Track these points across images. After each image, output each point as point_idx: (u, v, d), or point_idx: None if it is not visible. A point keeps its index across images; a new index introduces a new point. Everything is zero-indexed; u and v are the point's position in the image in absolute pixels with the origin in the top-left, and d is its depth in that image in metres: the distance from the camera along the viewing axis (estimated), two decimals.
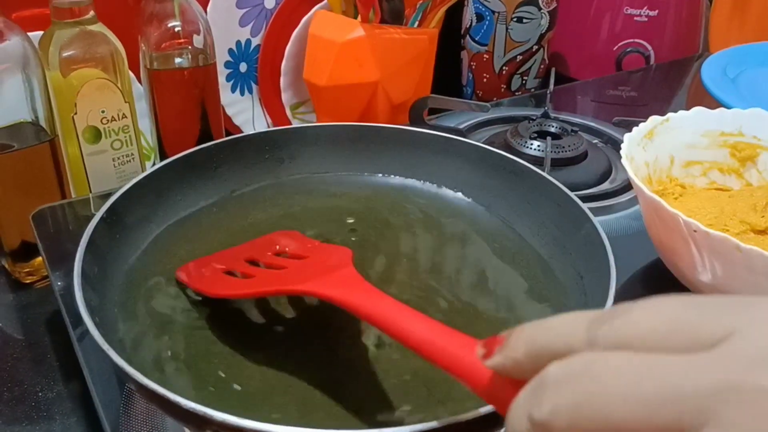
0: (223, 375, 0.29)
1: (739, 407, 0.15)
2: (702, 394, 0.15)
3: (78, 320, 0.38)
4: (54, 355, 0.43)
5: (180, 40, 0.55)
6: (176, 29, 0.54)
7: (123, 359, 0.24)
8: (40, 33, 0.51)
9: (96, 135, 0.53)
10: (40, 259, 0.49)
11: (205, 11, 0.60)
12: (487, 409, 0.23)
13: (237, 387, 0.29)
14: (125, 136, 0.54)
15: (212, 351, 0.30)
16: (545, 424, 0.16)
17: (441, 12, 0.66)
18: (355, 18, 0.62)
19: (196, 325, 0.32)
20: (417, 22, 0.65)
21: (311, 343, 0.30)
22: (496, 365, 0.19)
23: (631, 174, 0.41)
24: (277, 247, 0.34)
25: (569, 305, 0.33)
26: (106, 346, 0.24)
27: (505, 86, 0.79)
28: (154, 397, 0.23)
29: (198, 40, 0.55)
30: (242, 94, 0.69)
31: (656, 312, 0.17)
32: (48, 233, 0.46)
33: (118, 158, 0.54)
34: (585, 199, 0.51)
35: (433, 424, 0.23)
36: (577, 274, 0.33)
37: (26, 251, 0.49)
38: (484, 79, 0.79)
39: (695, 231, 0.36)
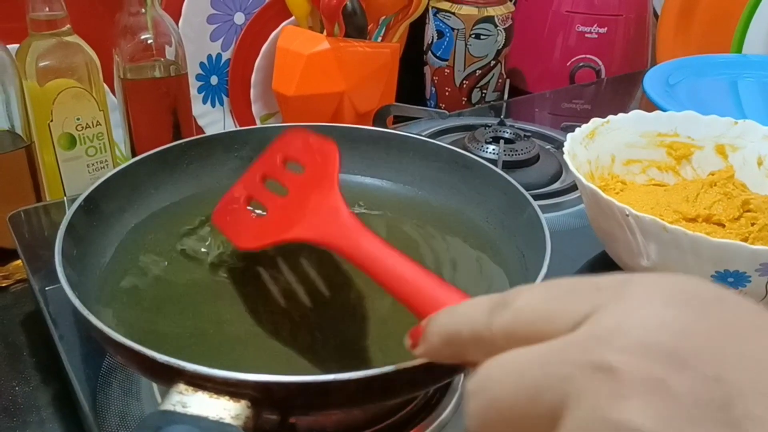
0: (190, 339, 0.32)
1: (588, 386, 0.16)
2: (559, 378, 0.16)
3: (52, 308, 0.40)
4: (30, 352, 0.44)
5: (152, 52, 0.58)
6: (149, 41, 0.57)
7: (101, 323, 0.27)
8: (17, 46, 0.53)
9: (71, 142, 0.55)
10: (15, 263, 0.50)
11: (177, 25, 0.63)
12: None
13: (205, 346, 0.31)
14: (100, 143, 0.56)
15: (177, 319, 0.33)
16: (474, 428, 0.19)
17: (403, 27, 0.70)
18: (321, 33, 0.66)
19: (166, 297, 0.35)
20: (380, 37, 0.69)
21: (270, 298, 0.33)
22: (422, 354, 0.22)
23: (572, 167, 0.45)
24: (287, 157, 0.36)
25: (513, 279, 0.36)
26: (85, 312, 0.27)
27: (465, 99, 0.83)
28: (124, 352, 0.26)
29: (170, 52, 0.58)
30: (213, 105, 0.72)
31: (534, 299, 0.19)
32: (23, 234, 0.48)
33: (93, 164, 0.56)
34: (536, 197, 0.54)
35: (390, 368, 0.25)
36: (519, 252, 0.36)
37: (2, 256, 0.51)
38: (446, 93, 0.83)
39: (627, 215, 0.40)
